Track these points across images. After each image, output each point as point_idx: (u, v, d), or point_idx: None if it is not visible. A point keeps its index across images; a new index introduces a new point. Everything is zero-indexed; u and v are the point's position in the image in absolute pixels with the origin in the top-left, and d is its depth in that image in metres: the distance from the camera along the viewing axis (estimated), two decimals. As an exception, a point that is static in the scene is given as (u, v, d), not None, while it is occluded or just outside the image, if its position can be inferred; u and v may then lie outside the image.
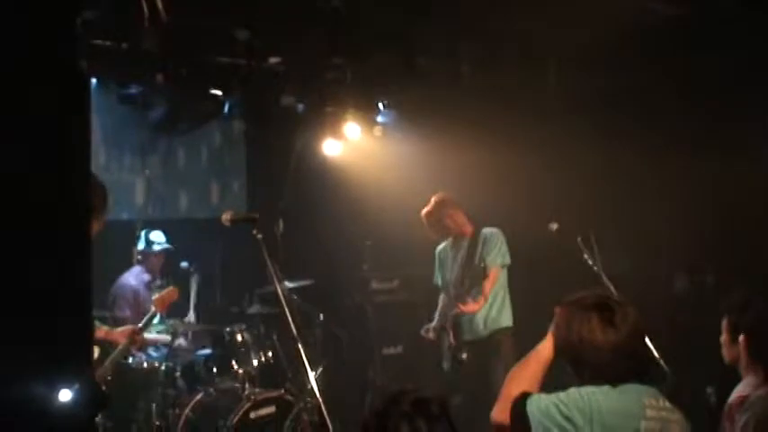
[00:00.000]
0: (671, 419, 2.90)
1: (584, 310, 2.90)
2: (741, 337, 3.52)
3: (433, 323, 6.79)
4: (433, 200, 6.77)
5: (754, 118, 6.46)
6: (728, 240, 6.67)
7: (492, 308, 6.60)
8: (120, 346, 5.45)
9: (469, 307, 6.50)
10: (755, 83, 6.40)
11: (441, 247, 6.93)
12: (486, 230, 6.66)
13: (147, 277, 7.09)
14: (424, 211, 6.77)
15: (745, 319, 3.55)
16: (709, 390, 5.30)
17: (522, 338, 6.27)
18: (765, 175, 6.29)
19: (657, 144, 6.85)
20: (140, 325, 5.64)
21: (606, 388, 2.83)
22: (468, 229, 6.74)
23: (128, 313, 6.76)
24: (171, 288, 6.04)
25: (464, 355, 6.49)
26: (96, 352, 5.08)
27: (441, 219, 6.74)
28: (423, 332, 6.83)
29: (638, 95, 7.00)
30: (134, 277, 7.05)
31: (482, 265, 6.46)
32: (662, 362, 5.43)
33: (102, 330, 5.51)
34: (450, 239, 6.87)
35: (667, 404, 2.93)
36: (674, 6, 6.03)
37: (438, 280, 6.94)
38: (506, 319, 6.66)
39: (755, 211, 6.40)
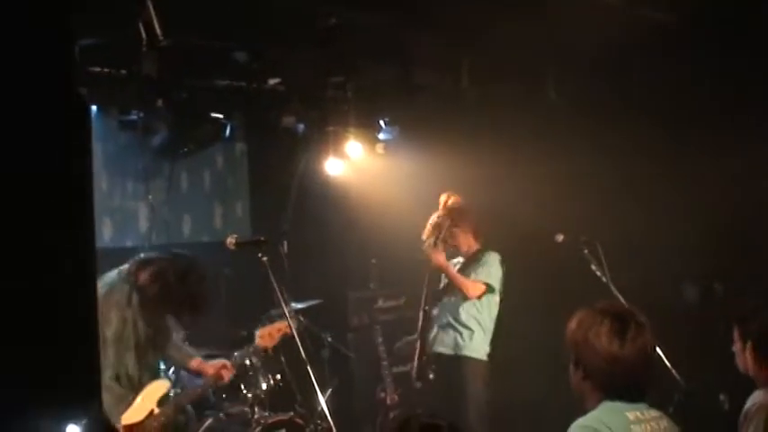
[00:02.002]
0: (659, 428, 2.86)
1: (600, 314, 2.88)
2: (748, 346, 3.51)
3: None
4: (447, 205, 6.48)
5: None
6: (736, 247, 6.62)
7: (462, 330, 6.42)
8: (205, 379, 5.35)
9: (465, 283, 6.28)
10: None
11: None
12: (489, 253, 6.51)
13: None
14: (435, 220, 6.47)
15: (752, 328, 3.54)
16: (723, 397, 5.26)
17: (535, 347, 6.23)
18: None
19: (662, 150, 6.81)
20: (231, 361, 5.48)
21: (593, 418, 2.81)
22: (473, 248, 6.61)
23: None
24: (282, 323, 5.48)
25: (431, 375, 6.34)
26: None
27: (453, 233, 6.51)
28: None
29: (640, 102, 6.95)
30: None
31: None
32: (674, 371, 5.41)
33: (196, 360, 5.46)
34: (461, 259, 6.68)
35: (653, 412, 2.88)
36: (667, 13, 6.02)
37: None
38: (476, 350, 6.41)
39: (764, 216, 6.35)
